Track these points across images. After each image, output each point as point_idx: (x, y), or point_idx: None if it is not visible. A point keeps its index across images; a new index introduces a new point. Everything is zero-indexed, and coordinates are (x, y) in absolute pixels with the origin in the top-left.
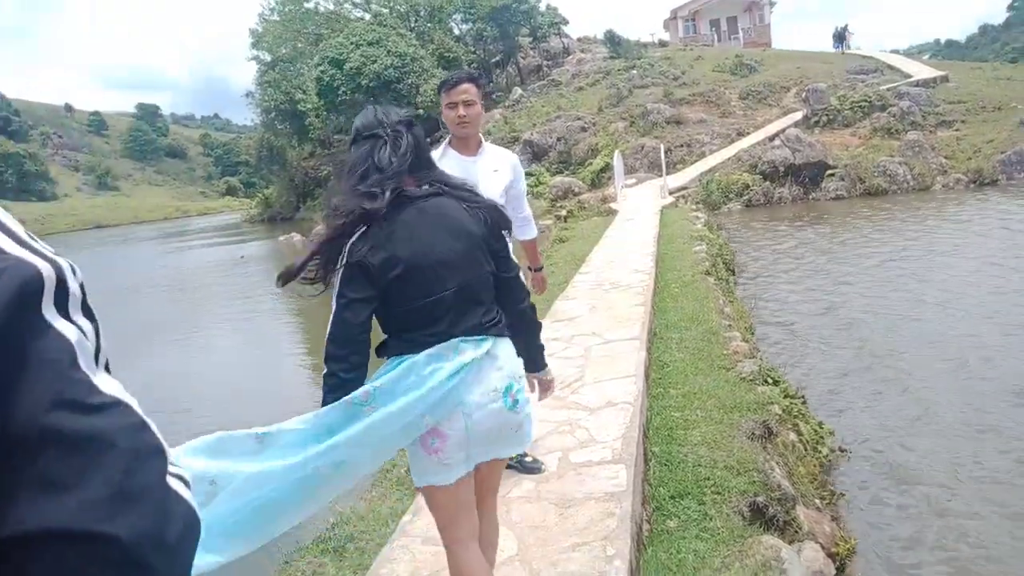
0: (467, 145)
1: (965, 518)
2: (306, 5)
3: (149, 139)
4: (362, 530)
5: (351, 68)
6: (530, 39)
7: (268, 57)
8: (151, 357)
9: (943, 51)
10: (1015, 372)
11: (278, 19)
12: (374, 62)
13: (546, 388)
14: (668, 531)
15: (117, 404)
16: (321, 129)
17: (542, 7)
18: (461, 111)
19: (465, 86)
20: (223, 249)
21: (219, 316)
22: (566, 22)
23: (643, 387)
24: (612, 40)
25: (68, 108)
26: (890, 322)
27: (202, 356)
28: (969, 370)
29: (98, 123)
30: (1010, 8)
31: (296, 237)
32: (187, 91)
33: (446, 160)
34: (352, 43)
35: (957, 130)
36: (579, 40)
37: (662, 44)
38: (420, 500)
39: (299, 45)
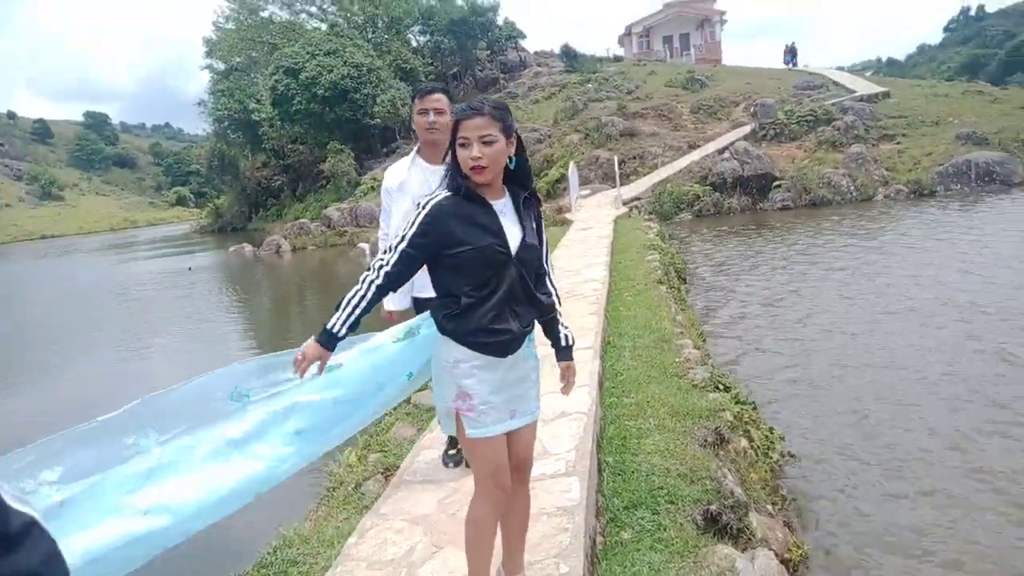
0: (436, 153)
1: (913, 520)
2: (261, 14)
3: (96, 148)
4: (305, 553)
5: (306, 78)
6: (487, 52)
7: (222, 66)
8: (87, 369)
9: (884, 69)
10: (955, 374)
11: (233, 27)
12: (330, 72)
13: None
14: (622, 543)
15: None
16: (275, 139)
17: (499, 21)
18: (432, 117)
19: (438, 95)
20: (170, 260)
21: (159, 329)
22: (523, 36)
23: (597, 397)
24: (568, 54)
25: (11, 116)
26: (835, 329)
27: (140, 370)
28: (910, 373)
29: (42, 131)
30: (945, 30)
31: (247, 248)
32: (137, 100)
33: (415, 169)
34: (308, 52)
35: (898, 143)
36: (536, 54)
37: (617, 59)
38: (367, 521)
39: (254, 54)
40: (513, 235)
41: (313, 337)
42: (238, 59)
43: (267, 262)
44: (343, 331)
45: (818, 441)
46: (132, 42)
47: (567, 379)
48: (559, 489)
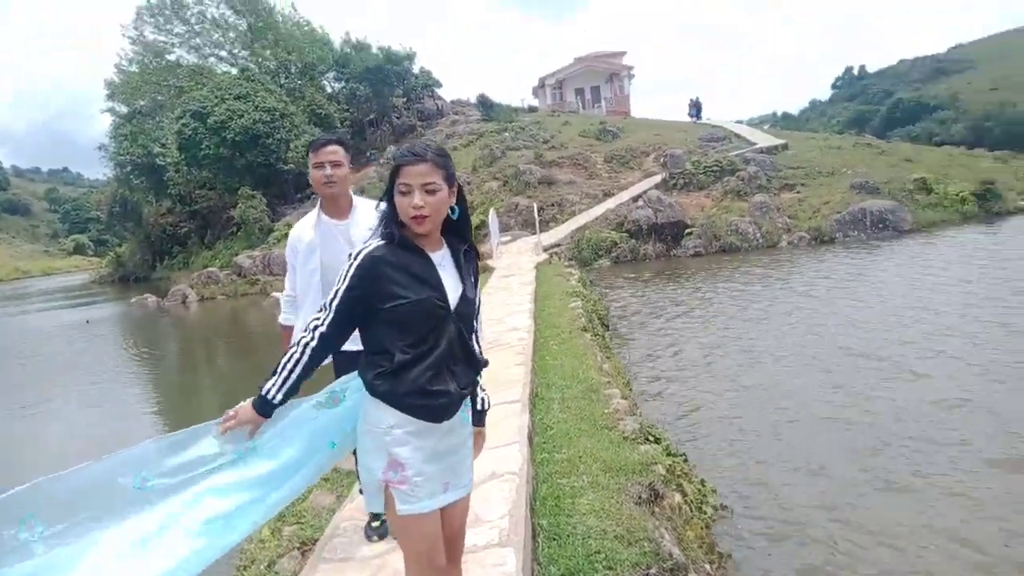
0: (337, 207)
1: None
2: (168, 57)
3: None
4: None
5: (215, 122)
6: (404, 100)
7: (124, 109)
8: None
9: (780, 122)
10: (873, 419)
11: (136, 70)
12: (241, 116)
13: None
14: None
15: None
16: (182, 184)
17: (416, 70)
18: (328, 170)
19: (332, 147)
20: (66, 313)
21: (52, 390)
22: (440, 85)
23: (528, 454)
24: (485, 104)
25: None
26: (756, 373)
27: (29, 437)
28: (836, 419)
29: None
30: (833, 87)
31: (151, 298)
32: (29, 143)
33: (320, 227)
34: (217, 96)
35: (798, 192)
36: (453, 102)
37: (532, 109)
38: None
39: (159, 97)
40: (452, 289)
41: (248, 400)
42: (142, 102)
43: (172, 313)
44: (279, 397)
45: (747, 491)
46: (22, 83)
47: (477, 446)
48: (492, 562)
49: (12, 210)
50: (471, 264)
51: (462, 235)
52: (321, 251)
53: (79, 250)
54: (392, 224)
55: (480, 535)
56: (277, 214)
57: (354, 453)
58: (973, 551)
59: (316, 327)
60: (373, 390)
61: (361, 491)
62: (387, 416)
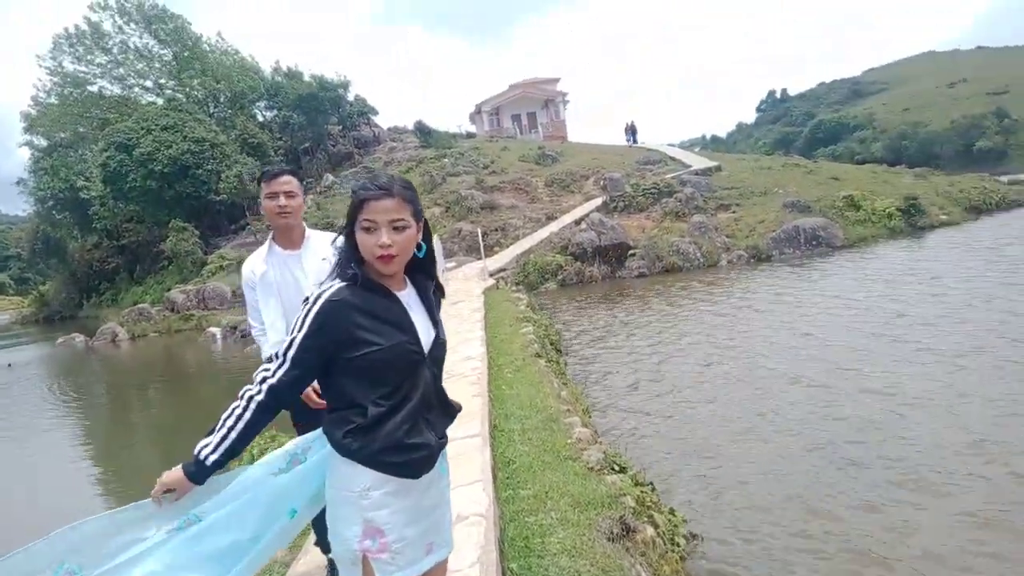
0: (290, 238)
1: None
2: (89, 88)
3: None
4: None
5: (142, 153)
6: (340, 127)
7: (44, 142)
8: None
9: (710, 144)
10: (834, 433)
11: (55, 102)
12: (169, 147)
13: None
14: None
15: None
16: (108, 218)
17: (350, 97)
18: (282, 200)
19: (286, 177)
20: None
21: None
22: (375, 112)
23: (492, 493)
24: (422, 130)
25: None
26: (708, 393)
27: None
28: (788, 435)
29: None
30: (758, 110)
31: (79, 338)
32: None
33: (272, 258)
34: (143, 127)
35: (734, 212)
36: (390, 130)
37: (470, 135)
38: None
39: (81, 129)
40: (424, 331)
41: (181, 465)
42: (63, 135)
43: (102, 353)
44: (214, 457)
45: (713, 516)
46: None
47: None
48: None
49: None
50: (438, 303)
51: (427, 272)
52: (275, 283)
53: None
54: (353, 263)
55: None
56: (210, 246)
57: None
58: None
59: (265, 379)
60: (344, 449)
61: (317, 543)
62: (361, 477)
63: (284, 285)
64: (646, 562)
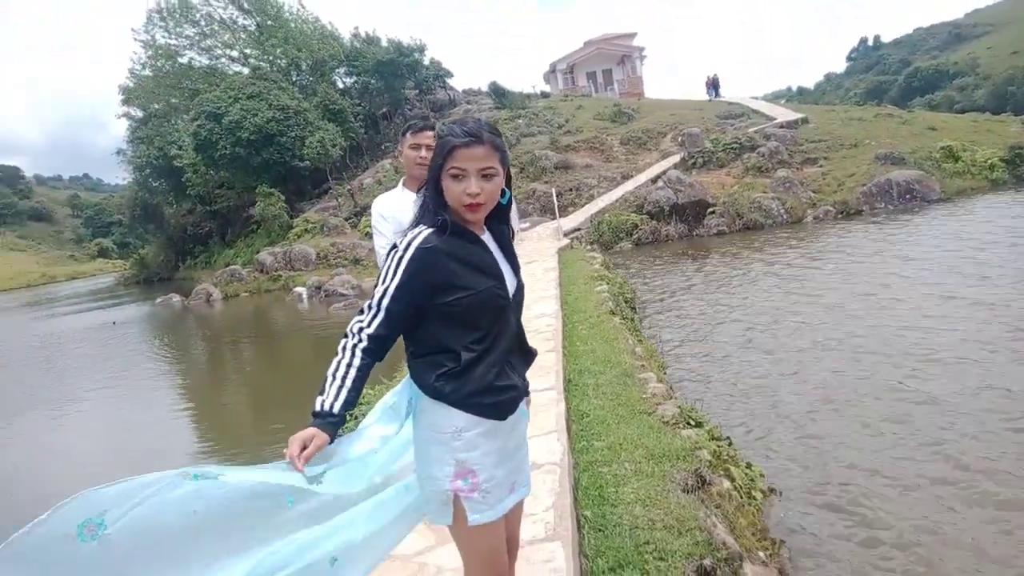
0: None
1: (906, 552)
2: (180, 60)
3: (8, 202)
4: None
5: (230, 122)
6: (416, 91)
7: (140, 113)
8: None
9: (797, 97)
10: (921, 388)
11: (150, 74)
12: (255, 115)
13: None
14: None
15: None
16: (200, 185)
17: (426, 61)
18: (423, 153)
19: (431, 133)
20: (93, 315)
21: (81, 392)
22: (451, 75)
23: (567, 444)
24: (497, 92)
25: None
26: (793, 349)
27: (68, 432)
28: (877, 391)
29: None
30: (848, 59)
31: (175, 298)
32: (50, 152)
33: (405, 199)
34: (231, 97)
35: (821, 166)
36: (464, 92)
37: (544, 95)
38: None
39: (173, 100)
40: (509, 276)
41: (309, 425)
42: (157, 106)
43: (197, 312)
44: (338, 407)
45: (794, 472)
46: (38, 94)
47: None
48: (541, 558)
49: (36, 217)
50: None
51: (503, 218)
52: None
53: (103, 253)
54: (441, 209)
55: (525, 530)
56: (295, 210)
57: None
58: None
59: (361, 328)
60: (436, 392)
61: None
62: (453, 419)
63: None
64: (721, 514)
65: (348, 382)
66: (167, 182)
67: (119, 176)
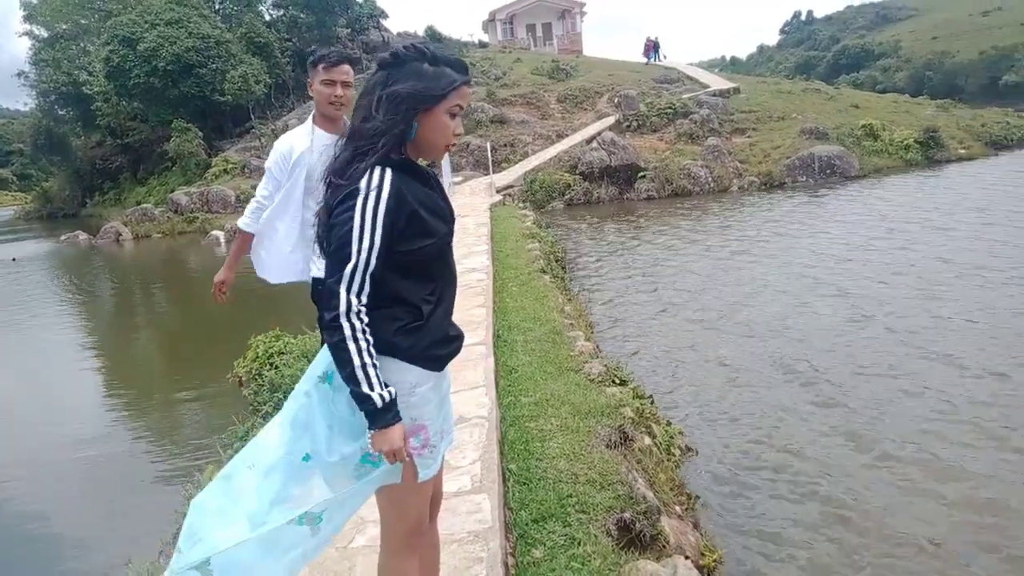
0: (336, 126)
1: (818, 512)
2: None
3: None
4: None
5: (145, 49)
6: (348, 31)
7: (45, 33)
8: None
9: (729, 67)
10: (829, 352)
11: None
12: (173, 43)
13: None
14: (535, 563)
15: None
16: (111, 115)
17: None
18: (339, 90)
19: (346, 67)
20: None
21: None
22: (385, 16)
23: (495, 398)
24: (434, 37)
25: None
26: (716, 313)
27: None
28: (786, 352)
29: None
30: (781, 32)
31: (82, 236)
32: None
33: (317, 140)
34: (147, 22)
35: (749, 136)
36: (399, 35)
37: (482, 45)
38: None
39: (83, 21)
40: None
41: (371, 429)
42: (64, 26)
43: (105, 252)
44: (391, 388)
45: (708, 431)
46: None
47: None
48: (466, 509)
49: None
50: None
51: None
52: (311, 164)
53: (1, 185)
54: (398, 145)
55: (452, 481)
56: (214, 149)
57: None
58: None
59: (357, 312)
60: (391, 349)
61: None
62: (407, 375)
63: (317, 167)
64: (642, 468)
65: (374, 360)
66: (75, 110)
67: (19, 101)
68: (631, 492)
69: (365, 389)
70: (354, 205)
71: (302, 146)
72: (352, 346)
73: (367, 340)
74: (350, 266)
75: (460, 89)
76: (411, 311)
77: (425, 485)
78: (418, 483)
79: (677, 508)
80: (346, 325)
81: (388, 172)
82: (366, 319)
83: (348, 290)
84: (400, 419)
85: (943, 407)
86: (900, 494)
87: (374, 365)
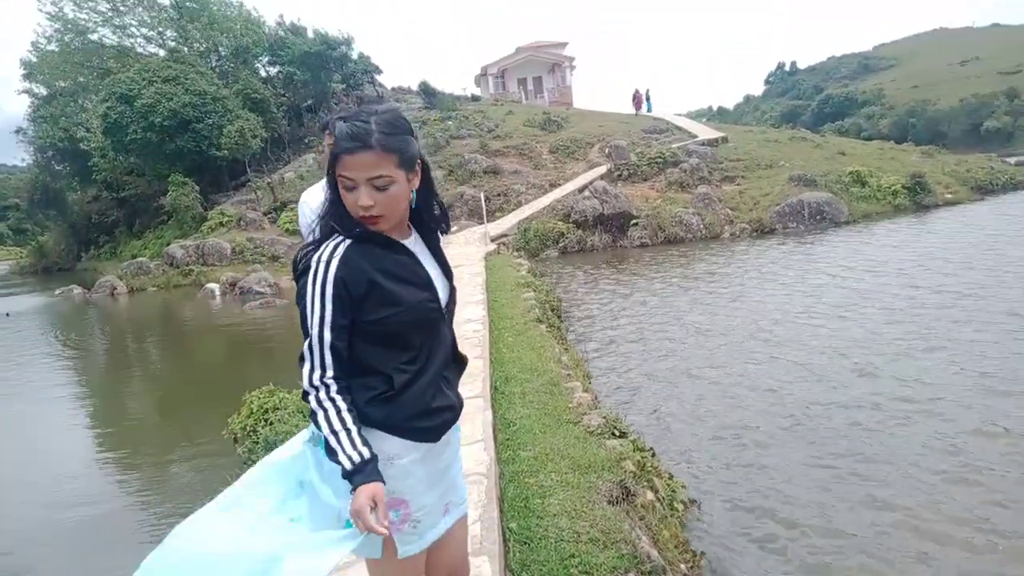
0: None
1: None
2: (91, 36)
3: None
4: None
5: (143, 105)
6: (343, 86)
7: (44, 91)
8: None
9: (716, 116)
10: (831, 400)
11: (56, 49)
12: (170, 99)
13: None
14: None
15: None
16: (108, 170)
17: (354, 55)
18: None
19: None
20: None
21: None
22: (379, 71)
23: (494, 453)
24: (427, 91)
25: None
26: (712, 363)
27: None
28: (794, 405)
29: None
30: (766, 82)
31: (77, 290)
32: None
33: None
34: (144, 79)
35: (738, 184)
36: (393, 90)
37: (475, 98)
38: None
39: (81, 79)
40: (440, 284)
41: (353, 491)
42: (63, 83)
43: (100, 305)
44: (366, 451)
45: (712, 483)
46: None
47: None
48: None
49: None
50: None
51: (433, 218)
52: None
53: None
54: (348, 219)
55: None
56: (210, 202)
57: None
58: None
59: (321, 380)
60: (365, 420)
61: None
62: (386, 446)
63: None
64: (645, 525)
65: (354, 424)
66: (71, 166)
67: (16, 156)
68: (635, 551)
69: (335, 452)
70: (307, 281)
71: (315, 202)
72: (320, 413)
73: (336, 407)
74: (308, 340)
75: (340, 160)
76: (383, 380)
77: (407, 563)
78: (398, 559)
79: (682, 566)
80: (312, 394)
81: (342, 244)
82: (334, 386)
83: (311, 362)
84: (370, 481)
85: (950, 461)
86: (915, 558)
87: (347, 430)
